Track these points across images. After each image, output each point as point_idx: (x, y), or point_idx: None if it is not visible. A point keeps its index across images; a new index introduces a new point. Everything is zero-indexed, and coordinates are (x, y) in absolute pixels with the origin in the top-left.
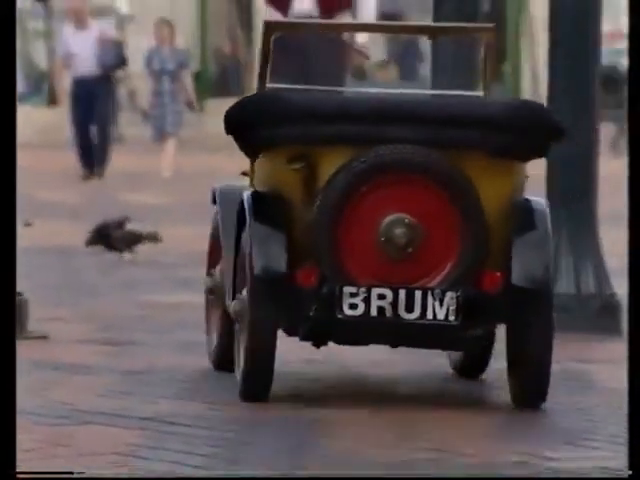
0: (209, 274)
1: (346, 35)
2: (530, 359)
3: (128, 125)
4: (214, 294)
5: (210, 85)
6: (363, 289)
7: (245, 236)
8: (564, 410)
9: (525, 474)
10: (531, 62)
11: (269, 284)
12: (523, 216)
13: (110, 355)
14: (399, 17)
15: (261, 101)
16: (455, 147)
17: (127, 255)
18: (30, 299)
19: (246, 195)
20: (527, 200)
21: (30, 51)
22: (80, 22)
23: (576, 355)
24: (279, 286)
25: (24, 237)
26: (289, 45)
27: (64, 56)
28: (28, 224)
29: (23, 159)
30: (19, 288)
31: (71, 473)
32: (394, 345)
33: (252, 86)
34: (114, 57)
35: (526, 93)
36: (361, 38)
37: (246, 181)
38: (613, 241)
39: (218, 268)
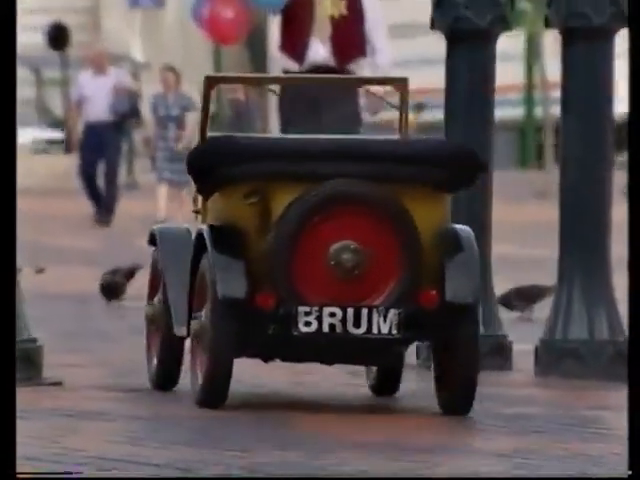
0: (149, 304)
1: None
2: (461, 368)
3: (143, 172)
4: (154, 321)
5: (225, 131)
6: (316, 308)
7: (203, 265)
8: (574, 456)
9: (525, 474)
10: (544, 113)
11: (231, 307)
12: (453, 241)
13: (123, 401)
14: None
15: (220, 144)
16: (394, 181)
17: (115, 303)
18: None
19: (205, 229)
20: (455, 227)
21: (46, 100)
22: (98, 68)
23: (589, 402)
24: (240, 309)
25: (38, 283)
26: (304, 95)
27: (78, 99)
28: (40, 270)
29: (40, 206)
30: (34, 334)
31: (70, 473)
32: (339, 362)
33: (266, 130)
34: (128, 106)
35: (539, 143)
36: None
37: (186, 221)
38: (624, 287)
39: (156, 299)
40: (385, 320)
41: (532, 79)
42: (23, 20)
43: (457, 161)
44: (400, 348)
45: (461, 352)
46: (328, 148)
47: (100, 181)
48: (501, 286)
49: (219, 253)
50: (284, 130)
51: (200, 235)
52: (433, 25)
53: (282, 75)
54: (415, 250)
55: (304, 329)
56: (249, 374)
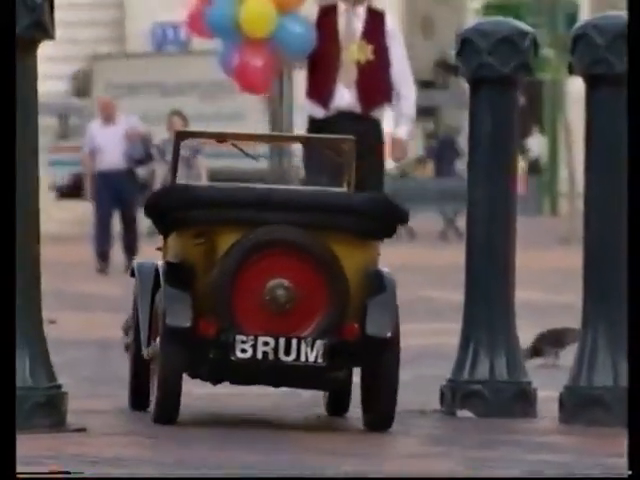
0: (127, 334)
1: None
2: (382, 393)
3: None
4: (129, 348)
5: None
6: (251, 337)
7: (158, 296)
8: None
9: (524, 475)
10: (568, 160)
11: (177, 334)
12: (376, 281)
13: (148, 447)
14: (435, 111)
15: (173, 191)
16: (323, 228)
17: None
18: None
19: (160, 265)
20: (379, 270)
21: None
22: (107, 118)
23: (613, 449)
24: (185, 336)
25: (60, 330)
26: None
27: (91, 149)
28: (52, 322)
29: (62, 252)
30: (57, 380)
31: (69, 473)
32: (276, 385)
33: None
34: (142, 151)
35: (563, 190)
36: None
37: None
38: None
39: (132, 328)
40: (312, 349)
41: (556, 126)
42: (48, 68)
43: (379, 212)
44: (329, 375)
45: (382, 379)
46: (266, 197)
47: (118, 228)
48: (525, 331)
49: (169, 286)
50: (307, 177)
51: (157, 270)
52: (456, 72)
53: (246, 132)
54: (340, 289)
55: (240, 355)
56: (274, 409)
